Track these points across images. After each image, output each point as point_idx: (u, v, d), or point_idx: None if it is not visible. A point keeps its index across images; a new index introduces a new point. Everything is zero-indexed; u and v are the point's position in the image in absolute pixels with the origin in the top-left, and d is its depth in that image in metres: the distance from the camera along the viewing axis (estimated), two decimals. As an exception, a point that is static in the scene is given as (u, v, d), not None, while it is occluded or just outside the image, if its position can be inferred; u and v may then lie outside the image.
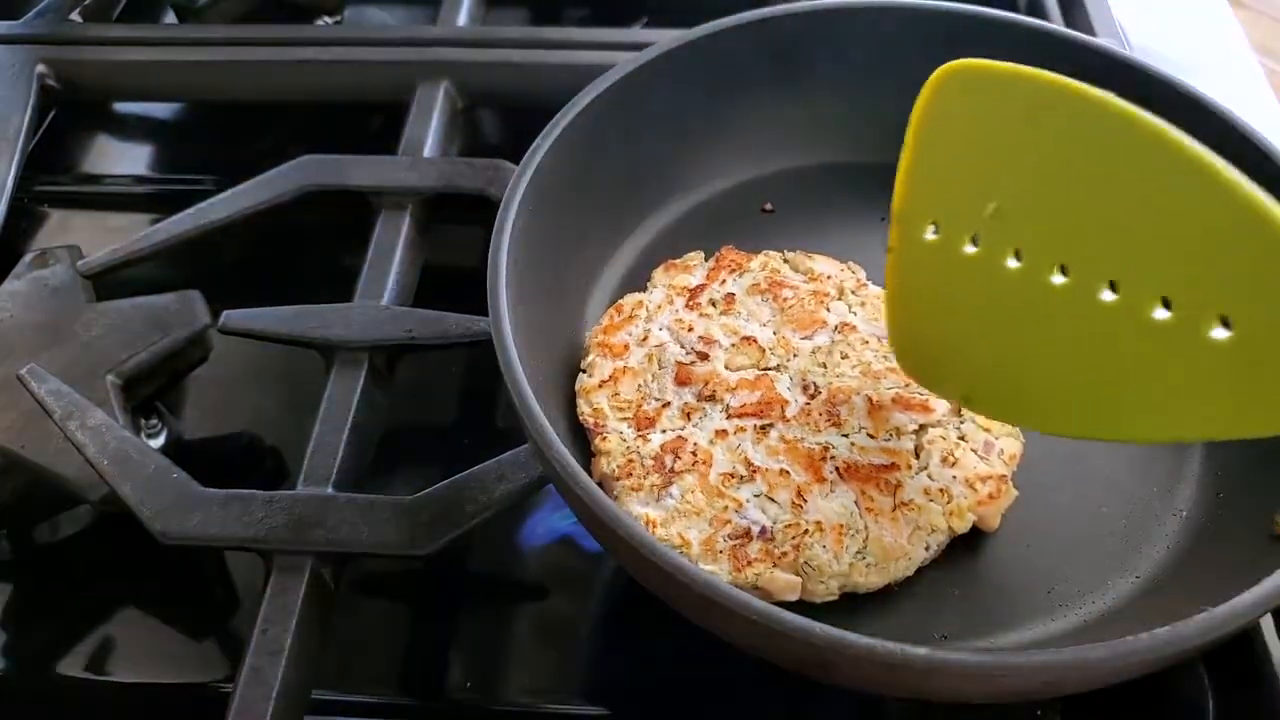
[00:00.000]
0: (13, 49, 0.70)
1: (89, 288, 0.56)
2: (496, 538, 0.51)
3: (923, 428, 0.45)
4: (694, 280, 0.51)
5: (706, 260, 0.53)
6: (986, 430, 0.46)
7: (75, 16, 0.75)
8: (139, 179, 0.74)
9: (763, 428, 0.45)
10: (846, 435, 0.45)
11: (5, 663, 0.48)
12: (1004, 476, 0.44)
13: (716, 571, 0.40)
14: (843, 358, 0.47)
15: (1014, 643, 0.41)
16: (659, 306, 0.50)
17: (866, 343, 0.48)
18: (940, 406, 0.46)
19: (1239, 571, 0.36)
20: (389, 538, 0.45)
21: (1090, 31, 0.67)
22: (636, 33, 0.73)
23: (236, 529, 0.45)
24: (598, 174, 0.52)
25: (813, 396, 0.46)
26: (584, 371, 0.48)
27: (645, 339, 0.49)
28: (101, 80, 0.71)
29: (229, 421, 0.57)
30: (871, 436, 0.45)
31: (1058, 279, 0.36)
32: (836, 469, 0.43)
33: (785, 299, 0.50)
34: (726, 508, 0.42)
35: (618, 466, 0.44)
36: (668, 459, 0.44)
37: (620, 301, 0.51)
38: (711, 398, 0.46)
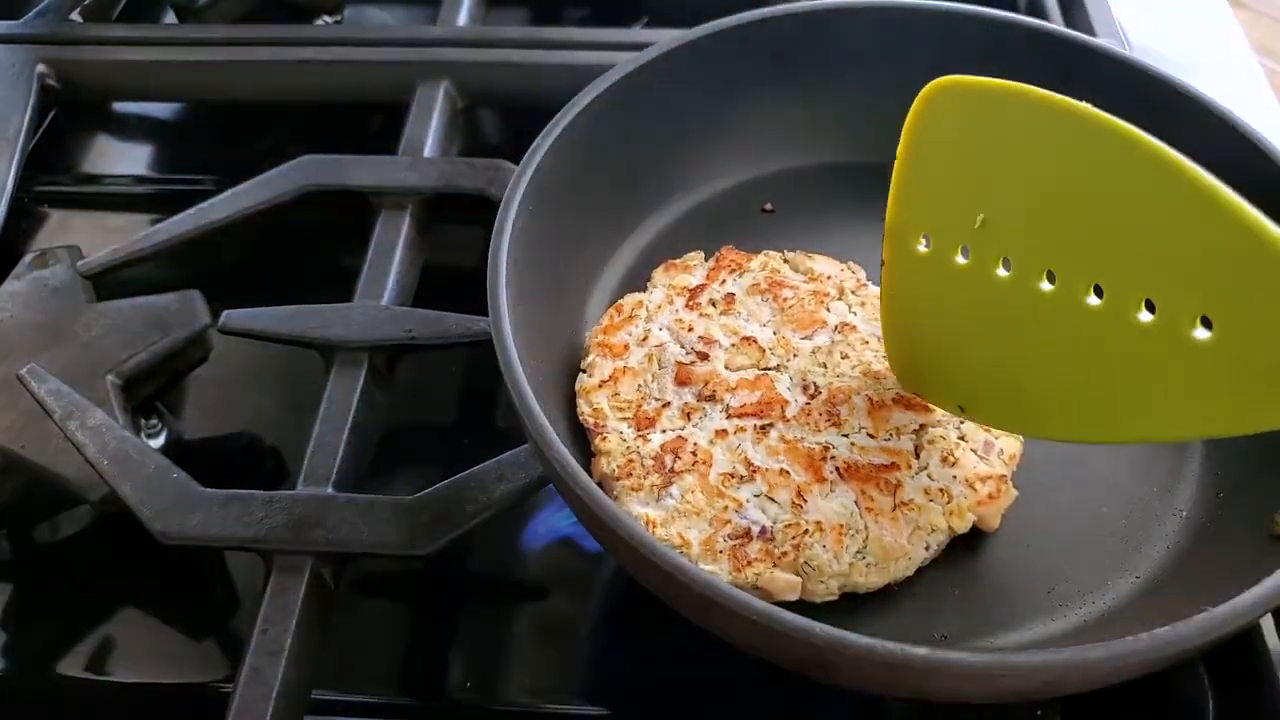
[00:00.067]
0: (13, 49, 0.70)
1: (89, 288, 0.56)
2: (496, 538, 0.51)
3: (923, 427, 0.45)
4: (694, 280, 0.51)
5: (706, 260, 0.53)
6: (987, 430, 0.46)
7: (75, 16, 0.74)
8: (139, 179, 0.74)
9: (763, 428, 0.45)
10: (846, 435, 0.45)
11: (5, 663, 0.48)
12: (1004, 476, 0.44)
13: (716, 571, 0.40)
14: (843, 358, 0.47)
15: (1014, 643, 0.41)
16: (659, 306, 0.50)
17: (866, 343, 0.48)
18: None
19: (1239, 571, 0.36)
20: (389, 538, 0.45)
21: (1090, 31, 0.67)
22: (636, 33, 0.73)
23: (236, 529, 0.45)
24: (598, 174, 0.52)
25: (813, 396, 0.46)
26: (584, 371, 0.48)
27: (645, 339, 0.49)
28: (101, 80, 0.71)
29: (229, 421, 0.57)
30: (871, 436, 0.45)
31: (1045, 286, 0.37)
32: (836, 469, 0.43)
33: (785, 299, 0.50)
34: (726, 508, 0.42)
35: (618, 466, 0.44)
36: (668, 459, 0.44)
37: (620, 301, 0.51)
38: (711, 398, 0.46)
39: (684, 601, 0.36)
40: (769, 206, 0.57)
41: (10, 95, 0.67)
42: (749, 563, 0.41)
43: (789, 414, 0.45)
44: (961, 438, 0.45)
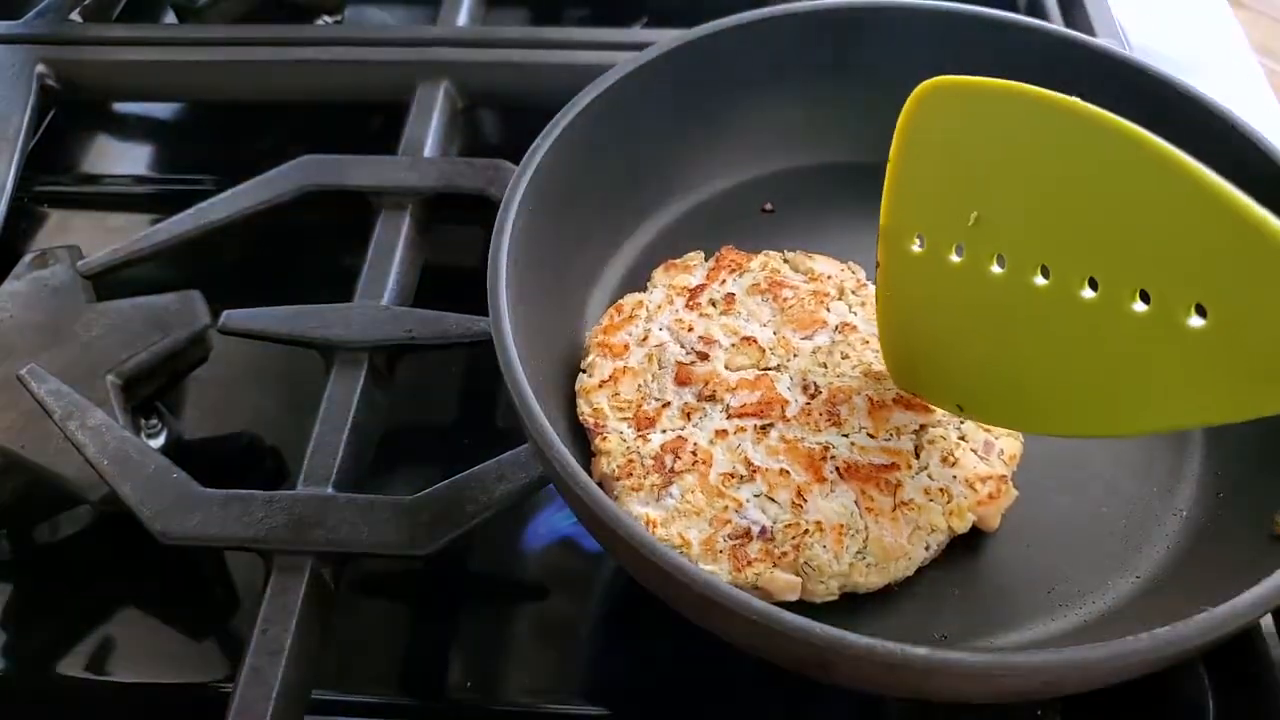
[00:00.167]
0: (13, 49, 0.70)
1: (89, 288, 0.56)
2: (496, 538, 0.51)
3: (923, 427, 0.45)
4: (694, 280, 0.51)
5: (706, 260, 0.53)
6: (986, 430, 0.46)
7: (75, 16, 0.75)
8: (139, 179, 0.74)
9: (763, 428, 0.45)
10: (847, 435, 0.45)
11: (5, 663, 0.48)
12: (1004, 476, 0.44)
13: (716, 571, 0.40)
14: (843, 358, 0.47)
15: (1014, 643, 0.41)
16: (659, 306, 0.50)
17: (867, 343, 0.48)
18: (940, 406, 0.46)
19: (1239, 571, 0.36)
20: (389, 538, 0.45)
21: (1090, 31, 0.67)
22: (636, 33, 0.73)
23: (236, 529, 0.45)
24: (598, 174, 0.52)
25: (813, 396, 0.46)
26: (584, 371, 0.48)
27: (645, 339, 0.49)
28: (101, 80, 0.71)
29: (229, 421, 0.57)
30: (872, 436, 0.45)
31: (1040, 281, 0.37)
32: (836, 469, 0.43)
33: (785, 299, 0.50)
34: (726, 508, 0.42)
35: (618, 466, 0.44)
36: (668, 459, 0.44)
37: (620, 301, 0.51)
38: (711, 398, 0.46)
39: (684, 601, 0.36)
40: (769, 206, 0.57)
41: (10, 95, 0.67)
42: (749, 563, 0.41)
43: (789, 414, 0.45)
44: (962, 438, 0.45)
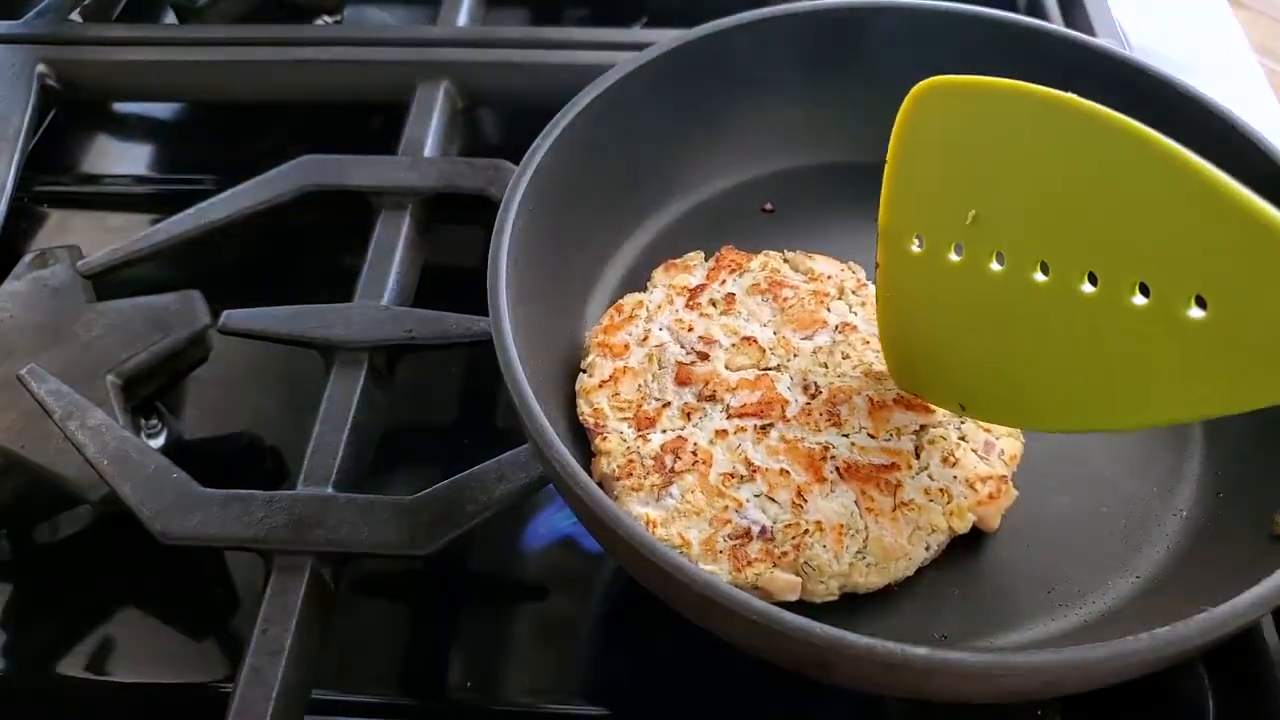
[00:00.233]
0: (13, 49, 0.70)
1: (89, 288, 0.56)
2: (496, 538, 0.51)
3: (923, 428, 0.45)
4: (694, 280, 0.51)
5: (706, 260, 0.53)
6: (987, 430, 0.46)
7: (75, 16, 0.75)
8: (139, 179, 0.74)
9: (763, 428, 0.45)
10: (847, 435, 0.45)
11: (5, 663, 0.48)
12: (1004, 477, 0.44)
13: (716, 571, 0.40)
14: (843, 358, 0.47)
15: (1014, 643, 0.41)
16: (659, 306, 0.50)
17: (867, 343, 0.48)
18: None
19: (1239, 571, 0.36)
20: (389, 538, 0.45)
21: (1090, 31, 0.67)
22: (636, 33, 0.73)
23: (236, 529, 0.45)
24: (598, 174, 0.52)
25: (813, 396, 0.46)
26: (584, 371, 0.48)
27: (645, 339, 0.49)
28: (101, 80, 0.71)
29: (229, 421, 0.57)
30: (872, 436, 0.45)
31: (1039, 277, 0.37)
32: (837, 469, 0.43)
33: (785, 299, 0.50)
34: (726, 508, 0.42)
35: (618, 466, 0.44)
36: (668, 459, 0.44)
37: (620, 301, 0.51)
38: (712, 398, 0.46)
39: (684, 601, 0.36)
40: (769, 206, 0.57)
41: (10, 95, 0.67)
42: (749, 563, 0.41)
43: (789, 414, 0.45)
44: (962, 438, 0.45)
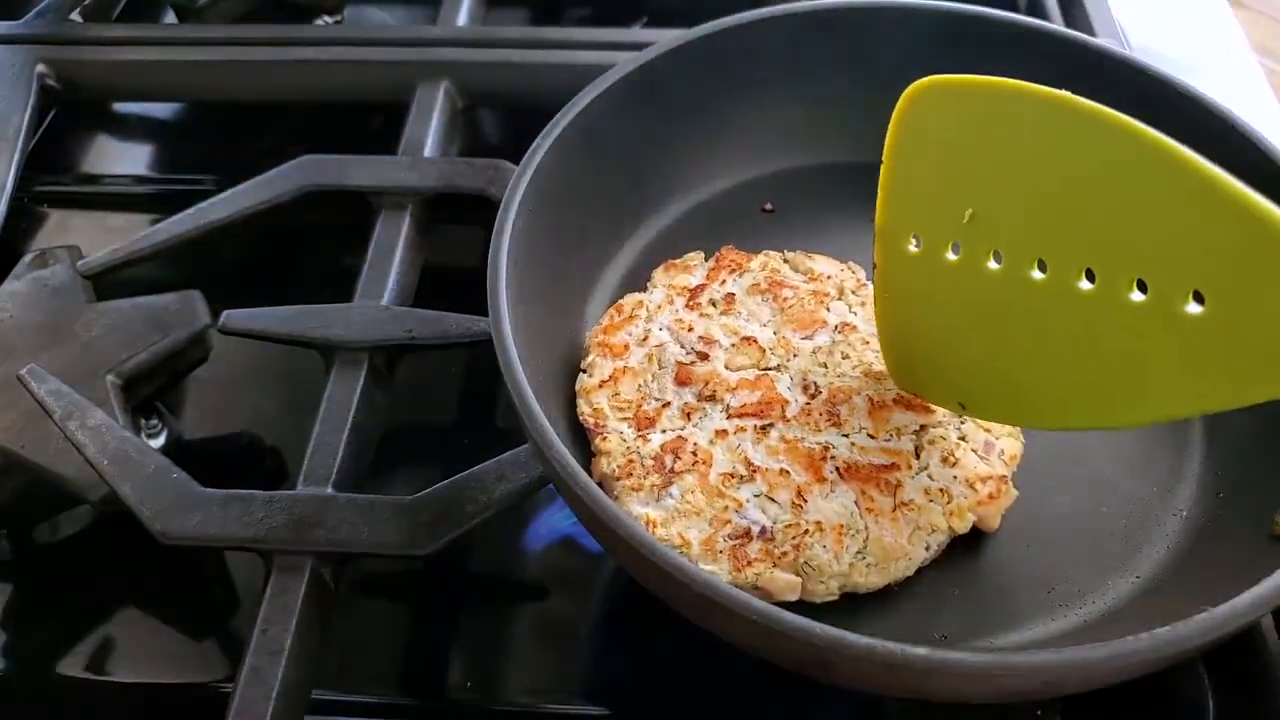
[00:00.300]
0: (13, 49, 0.70)
1: (89, 288, 0.56)
2: (496, 538, 0.51)
3: (923, 428, 0.45)
4: (694, 280, 0.51)
5: (706, 260, 0.53)
6: (987, 430, 0.46)
7: (75, 16, 0.75)
8: (139, 179, 0.74)
9: (763, 428, 0.45)
10: (847, 435, 0.45)
11: (5, 663, 0.48)
12: (1004, 477, 0.44)
13: (716, 571, 0.40)
14: (843, 358, 0.47)
15: (1014, 643, 0.41)
16: (659, 306, 0.50)
17: (867, 343, 0.48)
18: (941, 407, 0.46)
19: (1239, 571, 0.36)
20: (389, 538, 0.45)
21: (1090, 31, 0.67)
22: (636, 33, 0.73)
23: (236, 529, 0.45)
24: (598, 174, 0.52)
25: (813, 396, 0.46)
26: (584, 371, 0.48)
27: (645, 339, 0.49)
28: (101, 80, 0.71)
29: (229, 421, 0.57)
30: (872, 436, 0.45)
31: (1037, 275, 0.37)
32: (837, 469, 0.43)
33: (785, 299, 0.50)
34: (726, 508, 0.42)
35: (618, 466, 0.44)
36: (668, 459, 0.44)
37: (620, 301, 0.51)
38: (712, 398, 0.46)
39: (684, 601, 0.36)
40: (769, 206, 0.57)
41: (10, 95, 0.67)
42: (749, 563, 0.41)
43: (789, 414, 0.45)
44: (962, 438, 0.45)
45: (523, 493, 0.46)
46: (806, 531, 0.41)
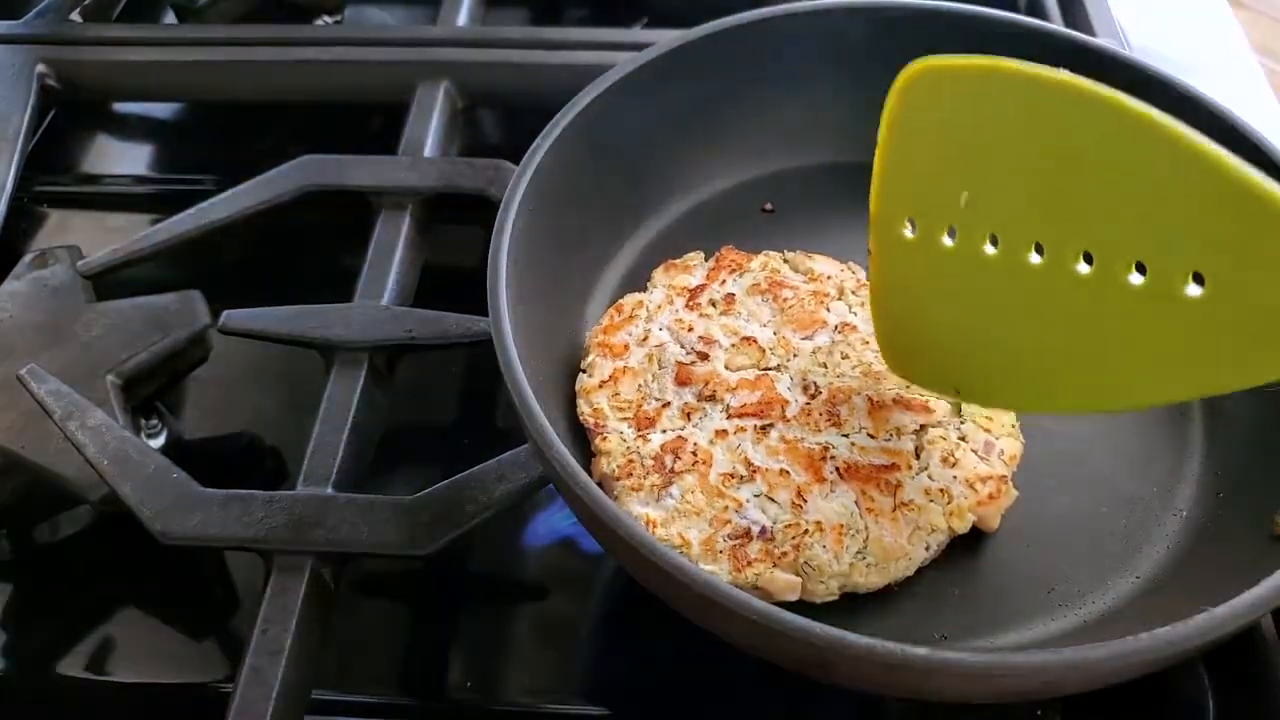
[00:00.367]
0: (13, 49, 0.70)
1: (89, 288, 0.56)
2: (496, 538, 0.51)
3: (923, 428, 0.45)
4: (694, 280, 0.51)
5: (706, 260, 0.53)
6: (987, 431, 0.46)
7: (75, 16, 0.74)
8: (139, 179, 0.74)
9: (763, 428, 0.45)
10: (847, 435, 0.45)
11: (5, 663, 0.48)
12: (1004, 477, 0.44)
13: (716, 571, 0.40)
14: (843, 358, 0.47)
15: (1014, 643, 0.41)
16: (659, 306, 0.50)
17: (867, 343, 0.48)
18: (941, 407, 0.46)
19: (1239, 571, 0.36)
20: (389, 538, 0.45)
21: (1090, 31, 0.67)
22: (636, 33, 0.73)
23: (236, 529, 0.45)
24: (598, 174, 0.52)
25: (813, 396, 0.46)
26: (584, 371, 0.48)
27: (645, 339, 0.49)
28: (101, 80, 0.71)
29: (229, 421, 0.57)
30: (872, 437, 0.45)
31: (1034, 258, 0.37)
32: (836, 469, 0.43)
33: (785, 299, 0.50)
34: (726, 508, 0.42)
35: (618, 466, 0.44)
36: (668, 459, 0.44)
37: (620, 301, 0.51)
38: (712, 398, 0.46)
39: (684, 601, 0.36)
40: (769, 206, 0.57)
41: (10, 95, 0.67)
42: (749, 563, 0.41)
43: (789, 414, 0.45)
44: (962, 438, 0.45)
45: (523, 493, 0.46)
46: (806, 531, 0.41)
